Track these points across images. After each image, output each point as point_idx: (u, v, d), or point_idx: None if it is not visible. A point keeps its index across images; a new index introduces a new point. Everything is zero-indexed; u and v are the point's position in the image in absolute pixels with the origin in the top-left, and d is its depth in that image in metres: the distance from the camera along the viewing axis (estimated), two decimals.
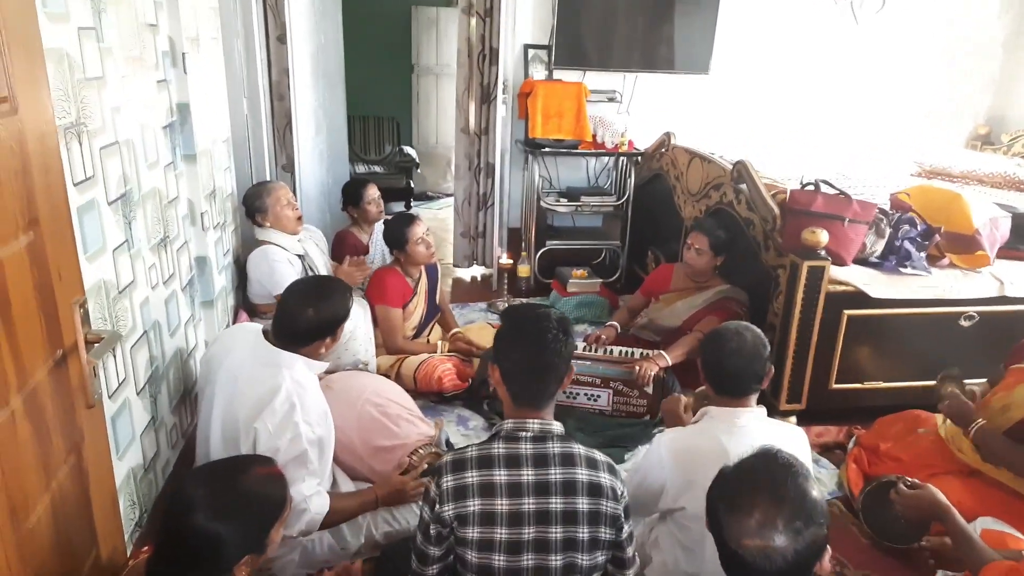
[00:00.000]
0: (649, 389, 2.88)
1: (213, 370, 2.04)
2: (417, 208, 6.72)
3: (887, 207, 3.08)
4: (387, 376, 2.90)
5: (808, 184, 2.85)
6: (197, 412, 2.11)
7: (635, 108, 4.58)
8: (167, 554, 1.21)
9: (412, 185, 6.72)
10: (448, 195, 7.40)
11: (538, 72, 4.43)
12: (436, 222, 6.24)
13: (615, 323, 3.28)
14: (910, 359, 2.90)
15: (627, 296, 4.24)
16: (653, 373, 2.84)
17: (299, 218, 3.07)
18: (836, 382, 2.87)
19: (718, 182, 3.35)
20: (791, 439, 1.89)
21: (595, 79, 4.45)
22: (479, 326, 3.51)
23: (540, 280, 4.45)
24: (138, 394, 1.88)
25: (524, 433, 1.52)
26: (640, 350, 3.04)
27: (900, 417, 2.62)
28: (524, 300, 4.01)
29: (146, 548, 1.41)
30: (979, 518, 2.06)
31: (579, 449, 1.55)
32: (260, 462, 1.39)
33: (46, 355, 1.15)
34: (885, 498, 2.05)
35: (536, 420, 1.54)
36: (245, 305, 3.07)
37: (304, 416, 1.92)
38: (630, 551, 1.62)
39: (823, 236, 2.60)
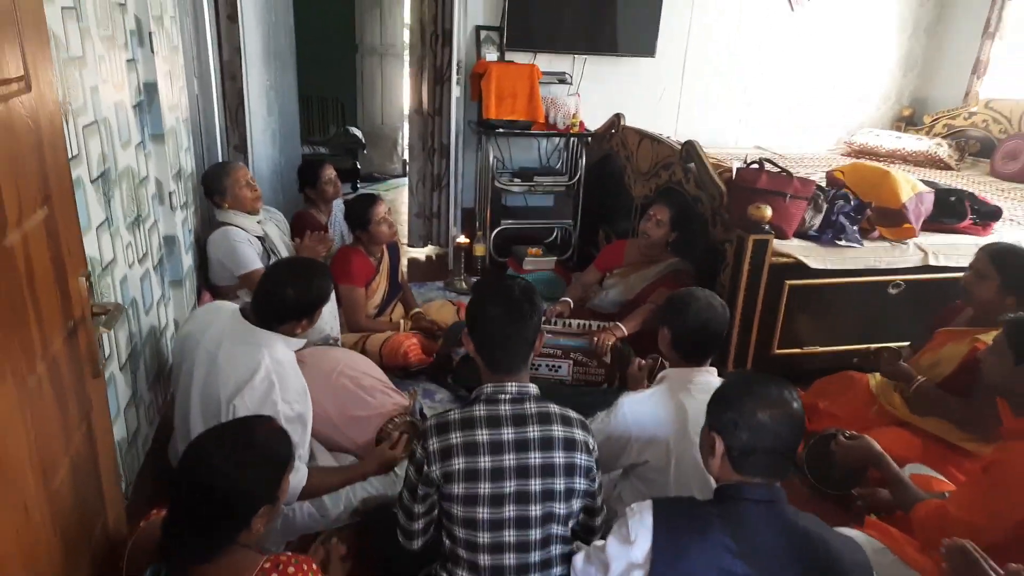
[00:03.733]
0: (607, 358, 3.03)
1: (190, 348, 2.07)
2: (365, 189, 6.70)
3: (823, 183, 3.30)
4: None
5: (753, 163, 3.03)
6: (174, 389, 2.14)
7: (585, 90, 4.71)
8: (186, 514, 1.27)
9: (359, 166, 6.69)
10: (395, 176, 7.39)
11: (490, 53, 4.50)
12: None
13: (568, 299, 3.40)
14: (844, 325, 3.14)
15: (579, 273, 4.38)
16: (611, 343, 2.99)
17: (258, 198, 3.09)
18: (778, 347, 3.08)
19: (667, 162, 3.51)
20: None
21: (546, 61, 4.56)
22: (439, 303, 3.59)
23: (495, 259, 4.55)
24: (121, 369, 1.91)
25: (503, 395, 1.62)
26: (597, 322, 3.18)
27: (836, 378, 2.84)
28: (486, 276, 4.10)
29: (155, 511, 1.46)
30: (908, 464, 2.28)
31: (554, 408, 1.66)
32: (262, 419, 1.46)
33: (61, 326, 1.19)
34: (826, 449, 2.26)
35: (514, 383, 1.64)
36: (207, 286, 3.07)
37: (283, 395, 1.96)
38: (599, 500, 1.76)
39: (767, 211, 2.78)
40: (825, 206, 3.04)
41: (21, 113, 1.07)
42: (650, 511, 1.45)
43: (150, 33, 2.23)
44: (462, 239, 4.25)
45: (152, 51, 2.24)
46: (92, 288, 1.32)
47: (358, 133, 6.86)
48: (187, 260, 2.65)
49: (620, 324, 3.06)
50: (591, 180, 4.49)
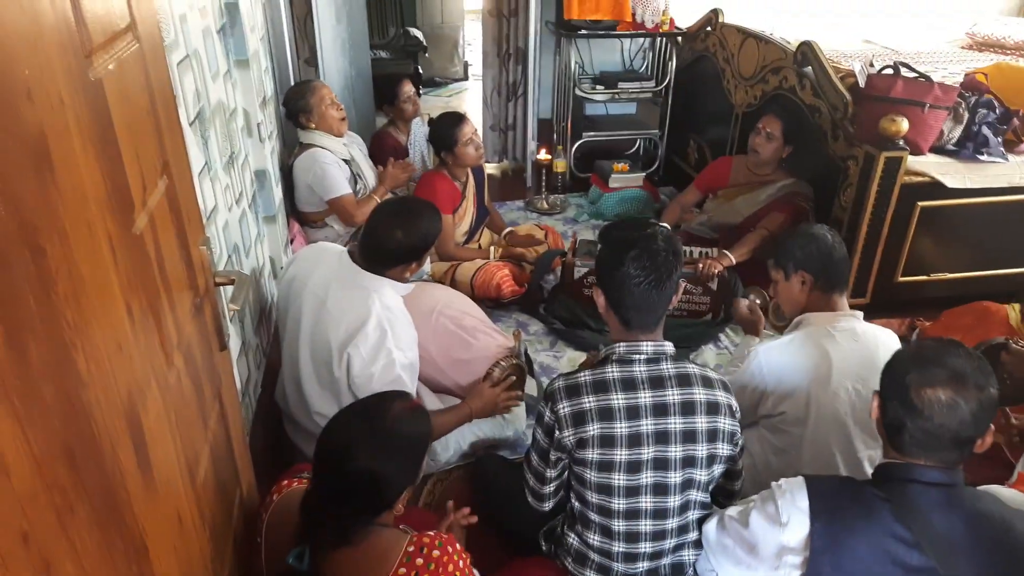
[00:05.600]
0: (713, 286, 2.84)
1: (296, 291, 1.99)
2: (426, 95, 6.42)
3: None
4: (441, 283, 2.86)
5: (885, 67, 2.69)
6: (280, 332, 2.08)
7: None
8: (331, 495, 1.21)
9: (420, 70, 6.38)
10: (456, 80, 7.07)
11: None
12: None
13: (665, 224, 3.17)
14: (977, 249, 2.86)
15: (666, 188, 4.13)
16: (717, 271, 2.80)
17: (344, 119, 2.92)
18: (903, 274, 2.83)
19: (777, 65, 3.17)
20: (886, 340, 1.89)
21: None
22: (527, 228, 3.42)
23: (576, 175, 4.31)
24: (230, 320, 1.83)
25: (638, 356, 1.51)
26: (699, 249, 2.98)
27: (969, 309, 2.61)
28: (621, 219, 3.68)
29: (285, 481, 1.41)
30: None
31: (694, 369, 1.54)
32: (399, 397, 1.37)
33: (190, 304, 1.08)
34: (996, 359, 2.07)
35: (649, 342, 1.51)
36: (293, 214, 2.97)
37: (396, 342, 1.89)
38: (740, 463, 1.65)
39: (904, 124, 2.48)
40: (966, 116, 2.70)
41: (134, 71, 0.91)
42: (804, 492, 1.32)
43: None
44: (542, 155, 4.01)
45: None
46: (212, 255, 1.20)
47: (418, 34, 6.50)
48: (277, 193, 2.53)
49: (727, 252, 2.85)
50: (681, 85, 4.14)
